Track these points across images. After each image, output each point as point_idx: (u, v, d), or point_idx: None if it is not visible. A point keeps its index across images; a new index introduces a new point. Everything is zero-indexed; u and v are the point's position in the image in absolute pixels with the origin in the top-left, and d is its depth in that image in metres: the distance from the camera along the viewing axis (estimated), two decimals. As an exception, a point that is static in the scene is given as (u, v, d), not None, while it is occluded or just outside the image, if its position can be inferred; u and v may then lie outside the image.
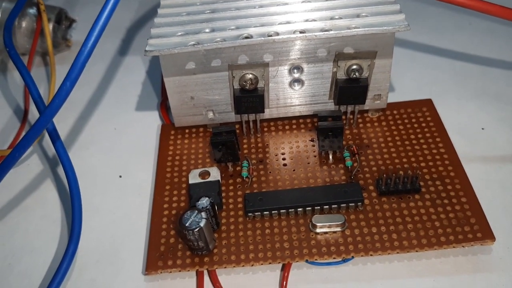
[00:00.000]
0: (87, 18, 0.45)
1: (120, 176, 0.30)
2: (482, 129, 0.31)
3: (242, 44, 0.25)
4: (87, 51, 0.20)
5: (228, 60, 0.27)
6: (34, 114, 0.35)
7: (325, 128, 0.27)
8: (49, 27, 0.38)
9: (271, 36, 0.25)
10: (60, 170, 0.30)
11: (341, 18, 0.26)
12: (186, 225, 0.23)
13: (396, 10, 0.26)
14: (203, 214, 0.24)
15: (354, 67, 0.27)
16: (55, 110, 0.21)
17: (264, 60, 0.27)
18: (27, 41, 0.38)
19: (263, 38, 0.25)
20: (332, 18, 0.26)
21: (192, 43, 0.25)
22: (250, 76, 0.28)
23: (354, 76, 0.28)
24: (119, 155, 0.32)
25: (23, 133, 0.33)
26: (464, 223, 0.25)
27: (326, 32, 0.25)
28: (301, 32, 0.25)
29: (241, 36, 0.25)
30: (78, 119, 0.35)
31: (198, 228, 0.23)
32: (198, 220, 0.23)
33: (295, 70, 0.28)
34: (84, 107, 0.36)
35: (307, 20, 0.26)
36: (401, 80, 0.34)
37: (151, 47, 0.25)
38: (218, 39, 0.25)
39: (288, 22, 0.26)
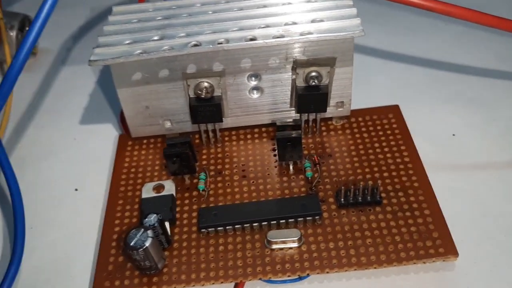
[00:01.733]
0: (55, 24, 0.44)
1: (76, 189, 0.29)
2: (453, 135, 0.30)
3: (190, 52, 0.24)
4: (18, 65, 0.19)
5: (181, 68, 0.26)
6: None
7: (283, 138, 0.26)
8: (11, 34, 0.37)
9: (221, 43, 0.24)
10: (4, 184, 0.29)
11: (294, 23, 0.25)
12: (131, 244, 0.22)
13: (353, 14, 0.25)
14: (149, 232, 0.22)
15: (313, 74, 0.26)
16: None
17: (216, 68, 0.26)
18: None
19: (211, 46, 0.24)
20: (286, 24, 0.25)
21: (139, 51, 0.24)
22: (206, 84, 0.27)
23: (314, 83, 0.26)
24: (77, 166, 0.31)
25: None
26: (426, 238, 0.23)
27: (277, 39, 0.24)
28: (251, 39, 0.24)
29: (189, 44, 0.24)
30: (38, 129, 0.33)
31: (143, 248, 0.22)
32: (143, 239, 0.22)
33: (253, 78, 0.27)
34: (44, 116, 0.34)
35: (260, 27, 0.25)
36: (368, 85, 0.33)
37: (96, 56, 0.24)
38: (166, 47, 0.24)
39: (240, 29, 0.25)
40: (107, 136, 0.32)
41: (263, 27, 0.25)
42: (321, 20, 0.25)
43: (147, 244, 0.22)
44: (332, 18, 0.25)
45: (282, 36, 0.24)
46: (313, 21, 0.25)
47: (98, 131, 0.33)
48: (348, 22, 0.24)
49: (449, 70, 0.34)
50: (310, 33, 0.24)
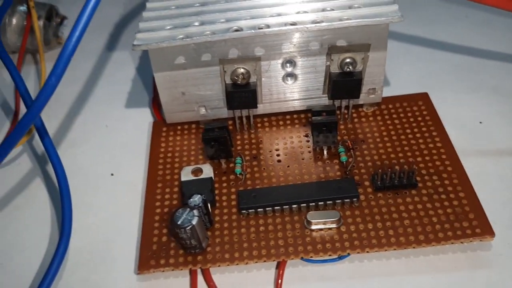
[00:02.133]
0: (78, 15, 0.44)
1: (112, 174, 0.30)
2: (480, 122, 0.31)
3: (232, 37, 0.25)
4: (72, 45, 0.20)
5: (219, 54, 0.27)
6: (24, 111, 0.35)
7: (319, 123, 0.27)
8: (39, 24, 0.37)
9: (261, 28, 0.25)
10: (50, 169, 0.30)
11: (333, 9, 0.26)
12: (178, 223, 0.23)
13: (390, 1, 0.26)
14: (195, 211, 0.23)
15: (348, 60, 0.27)
16: (41, 105, 0.20)
17: (255, 54, 0.26)
18: (18, 38, 0.38)
19: (253, 31, 0.24)
20: (324, 10, 0.26)
21: (181, 36, 0.25)
22: (242, 70, 0.27)
23: (348, 69, 0.27)
24: (110, 152, 0.31)
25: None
26: (463, 219, 0.24)
27: (317, 24, 0.24)
28: (292, 24, 0.25)
29: (231, 29, 0.25)
30: (69, 117, 0.34)
31: (190, 226, 0.22)
32: (190, 218, 0.23)
33: (288, 64, 0.28)
34: (76, 104, 0.35)
35: (298, 12, 0.26)
36: (396, 74, 0.34)
37: (139, 41, 0.25)
38: (208, 32, 0.25)
39: (279, 15, 0.26)
40: (139, 123, 0.33)
41: (302, 13, 0.25)
42: (359, 6, 0.26)
43: (194, 222, 0.23)
44: (369, 4, 0.26)
45: (321, 22, 0.25)
46: (350, 7, 0.26)
47: (129, 118, 0.33)
48: (386, 8, 0.25)
49: (471, 58, 0.35)
50: (348, 18, 0.25)
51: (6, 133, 0.33)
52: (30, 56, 0.40)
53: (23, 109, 0.34)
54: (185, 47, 0.26)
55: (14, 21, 0.37)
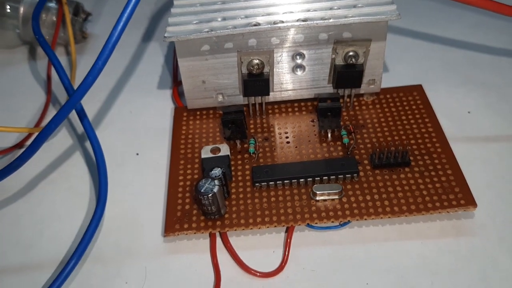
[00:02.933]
0: (101, 11, 0.48)
1: (137, 154, 0.33)
2: (468, 112, 0.34)
3: (251, 31, 0.28)
4: (117, 33, 0.23)
5: (237, 46, 0.30)
6: (56, 96, 0.38)
7: (325, 108, 0.30)
8: (69, 18, 0.41)
9: (276, 23, 0.28)
10: (84, 147, 0.33)
11: (339, 8, 0.29)
12: (201, 191, 0.26)
13: (389, 1, 0.29)
14: (216, 181, 0.26)
15: (351, 53, 0.30)
16: (88, 86, 0.24)
17: (270, 46, 0.30)
18: (47, 32, 0.41)
19: (270, 26, 0.28)
20: (331, 8, 0.29)
21: (206, 30, 0.28)
22: (257, 61, 0.31)
23: (351, 62, 0.30)
24: (135, 135, 0.34)
25: (48, 114, 0.36)
26: (449, 192, 0.27)
27: (326, 21, 0.28)
28: (303, 21, 0.28)
29: (250, 24, 0.28)
30: (94, 104, 0.37)
31: (212, 194, 0.26)
32: (211, 187, 0.26)
33: (297, 57, 0.31)
34: (100, 91, 0.38)
35: (308, 10, 0.29)
36: (395, 67, 0.37)
37: (170, 33, 0.28)
38: (230, 26, 0.28)
39: (291, 12, 0.29)
40: (160, 109, 0.36)
41: (312, 11, 0.29)
42: (362, 6, 0.29)
43: (215, 190, 0.26)
44: (371, 4, 0.29)
45: (329, 19, 0.28)
46: (354, 6, 0.29)
47: (151, 105, 0.36)
48: (386, 7, 0.29)
49: (464, 55, 0.38)
50: (352, 16, 0.28)
51: (41, 113, 0.36)
52: (58, 49, 0.43)
53: (55, 91, 0.38)
54: (208, 40, 0.29)
55: (43, 16, 0.41)
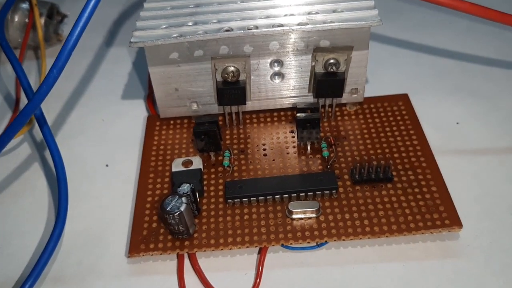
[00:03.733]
0: (78, 13, 0.46)
1: (107, 165, 0.31)
2: (457, 123, 0.32)
3: (223, 37, 0.26)
4: (73, 40, 0.22)
5: (211, 53, 0.28)
6: (25, 103, 0.36)
7: (303, 119, 0.28)
8: (40, 21, 0.39)
9: (251, 29, 0.26)
10: (48, 159, 0.31)
11: (318, 13, 0.27)
12: (167, 209, 0.24)
13: (371, 6, 0.28)
14: (184, 199, 0.25)
15: (332, 61, 0.29)
16: (42, 96, 0.22)
17: (245, 53, 0.28)
18: (20, 35, 0.39)
19: (243, 31, 0.26)
20: (309, 13, 0.27)
21: (176, 35, 0.26)
22: (232, 68, 0.29)
23: (332, 70, 0.29)
24: (106, 145, 0.33)
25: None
26: (433, 211, 0.26)
27: (303, 26, 0.26)
28: (279, 26, 0.26)
29: (222, 29, 0.27)
30: (67, 110, 0.36)
31: (178, 212, 0.24)
32: (178, 205, 0.24)
33: (276, 64, 0.29)
34: (73, 98, 0.37)
35: (286, 15, 0.27)
36: (380, 76, 0.36)
37: (136, 38, 0.26)
38: (200, 31, 0.26)
39: (267, 17, 0.28)
40: (134, 117, 0.34)
41: (288, 15, 0.27)
42: (342, 11, 0.27)
43: (182, 209, 0.24)
44: (351, 9, 0.28)
45: (306, 24, 0.26)
46: (334, 11, 0.27)
47: (125, 113, 0.35)
48: (367, 12, 0.27)
49: (453, 63, 0.37)
50: (332, 22, 0.26)
51: (8, 121, 0.34)
52: (31, 52, 0.41)
53: (23, 101, 0.36)
54: (180, 45, 0.28)
55: (16, 18, 0.39)
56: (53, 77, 0.22)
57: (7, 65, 0.40)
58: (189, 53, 0.28)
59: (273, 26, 0.27)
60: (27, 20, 0.39)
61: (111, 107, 0.35)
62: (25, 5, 0.39)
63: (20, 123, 0.23)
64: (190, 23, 0.27)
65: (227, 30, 0.26)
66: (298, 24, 0.26)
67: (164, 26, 0.27)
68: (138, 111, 0.35)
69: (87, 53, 0.41)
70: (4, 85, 0.38)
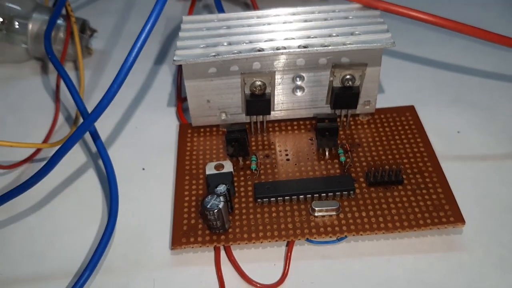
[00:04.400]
0: (105, 28, 0.49)
1: (143, 169, 0.35)
2: (458, 132, 0.36)
3: (255, 56, 0.30)
4: (132, 58, 0.25)
5: (240, 69, 0.32)
6: (65, 110, 0.40)
7: (323, 128, 0.32)
8: (78, 36, 0.42)
9: (279, 49, 0.30)
10: (93, 163, 0.35)
11: (337, 35, 0.31)
12: (207, 206, 0.28)
13: (384, 29, 0.31)
14: (221, 198, 0.28)
15: (348, 76, 0.32)
16: (103, 108, 0.25)
17: (271, 69, 0.32)
18: (55, 48, 0.42)
19: (273, 51, 0.30)
20: (330, 36, 0.31)
21: (213, 54, 0.30)
22: (259, 83, 0.32)
23: (348, 84, 0.32)
24: (141, 151, 0.36)
25: (56, 129, 0.38)
26: (439, 209, 0.29)
27: (325, 47, 0.30)
28: (304, 47, 0.30)
29: (254, 49, 0.30)
30: (101, 119, 0.39)
31: (217, 210, 0.27)
32: (217, 203, 0.28)
33: (297, 79, 0.33)
34: (108, 107, 0.40)
35: (309, 37, 0.31)
36: (388, 89, 0.39)
37: (178, 57, 0.30)
38: (235, 51, 0.30)
39: (292, 38, 0.31)
40: (165, 125, 0.37)
41: (312, 37, 0.31)
42: (359, 33, 0.31)
43: (221, 206, 0.28)
44: (367, 32, 0.31)
45: (328, 45, 0.30)
46: (352, 33, 0.31)
47: (156, 121, 0.38)
48: (381, 35, 0.30)
49: (454, 76, 0.40)
50: (350, 43, 0.30)
51: (49, 129, 0.37)
52: (68, 64, 0.44)
53: (62, 108, 0.39)
54: (213, 63, 0.31)
55: (53, 33, 0.42)
56: (113, 91, 0.25)
57: (49, 75, 0.43)
58: (222, 69, 0.31)
59: (298, 47, 0.30)
60: (62, 36, 0.42)
61: (144, 116, 0.38)
62: (60, 21, 0.43)
63: (81, 132, 0.26)
64: (225, 43, 0.31)
65: (258, 50, 0.30)
66: (321, 45, 0.30)
67: (202, 46, 0.31)
68: (169, 120, 0.38)
69: (113, 66, 0.44)
70: (43, 94, 0.42)
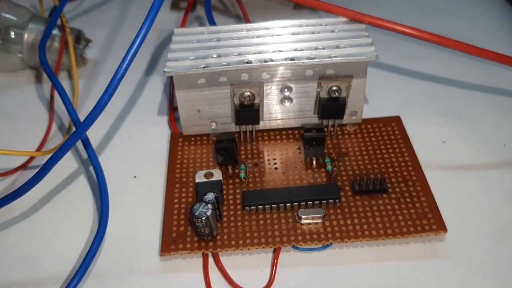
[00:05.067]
0: (100, 38, 0.50)
1: (135, 177, 0.35)
2: (443, 142, 0.36)
3: (244, 68, 0.31)
4: (122, 70, 0.26)
5: (230, 80, 0.33)
6: (59, 119, 0.40)
7: (310, 138, 0.33)
8: (72, 46, 0.43)
9: (267, 61, 0.31)
10: (84, 170, 0.35)
11: (323, 48, 0.32)
12: (196, 214, 0.28)
13: (369, 42, 0.32)
14: (210, 205, 0.29)
15: (334, 88, 0.33)
16: (94, 118, 0.26)
17: (260, 80, 0.33)
18: (49, 58, 0.43)
19: (260, 64, 0.31)
20: (316, 48, 0.32)
21: (203, 66, 0.31)
22: (248, 93, 0.33)
23: (334, 95, 0.33)
24: (132, 159, 0.36)
25: (50, 138, 0.38)
26: (422, 217, 0.30)
27: (311, 60, 0.31)
28: (291, 60, 0.31)
29: (242, 61, 0.31)
30: (93, 128, 0.39)
31: (205, 217, 0.28)
32: (205, 211, 0.28)
33: (286, 89, 0.34)
34: (101, 116, 0.40)
35: (296, 50, 0.32)
36: (376, 100, 0.40)
37: (169, 68, 0.31)
38: (224, 63, 0.31)
39: (280, 51, 0.32)
40: (157, 134, 0.38)
41: (299, 50, 0.32)
42: (344, 47, 0.32)
43: (209, 214, 0.28)
44: (352, 45, 0.32)
45: (314, 58, 0.31)
46: (337, 47, 0.32)
47: (148, 130, 0.38)
48: (366, 48, 0.31)
49: (439, 88, 0.41)
50: (336, 56, 0.31)
51: (43, 138, 0.38)
52: (62, 73, 0.45)
53: (56, 117, 0.40)
54: (203, 74, 0.32)
55: (47, 43, 0.43)
56: (104, 101, 0.26)
57: (43, 84, 0.44)
58: (211, 80, 0.32)
59: (286, 59, 0.31)
60: (57, 45, 0.43)
61: (136, 125, 0.39)
62: (55, 31, 0.43)
63: (72, 142, 0.27)
64: (214, 55, 0.32)
65: (247, 62, 0.31)
66: (308, 58, 0.31)
67: (192, 58, 0.32)
68: (160, 128, 0.39)
69: (107, 75, 0.45)
70: (37, 103, 0.42)
